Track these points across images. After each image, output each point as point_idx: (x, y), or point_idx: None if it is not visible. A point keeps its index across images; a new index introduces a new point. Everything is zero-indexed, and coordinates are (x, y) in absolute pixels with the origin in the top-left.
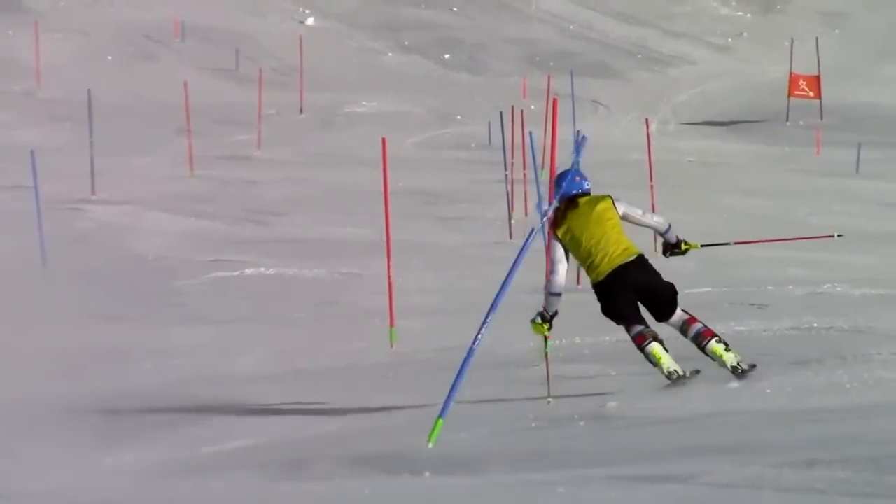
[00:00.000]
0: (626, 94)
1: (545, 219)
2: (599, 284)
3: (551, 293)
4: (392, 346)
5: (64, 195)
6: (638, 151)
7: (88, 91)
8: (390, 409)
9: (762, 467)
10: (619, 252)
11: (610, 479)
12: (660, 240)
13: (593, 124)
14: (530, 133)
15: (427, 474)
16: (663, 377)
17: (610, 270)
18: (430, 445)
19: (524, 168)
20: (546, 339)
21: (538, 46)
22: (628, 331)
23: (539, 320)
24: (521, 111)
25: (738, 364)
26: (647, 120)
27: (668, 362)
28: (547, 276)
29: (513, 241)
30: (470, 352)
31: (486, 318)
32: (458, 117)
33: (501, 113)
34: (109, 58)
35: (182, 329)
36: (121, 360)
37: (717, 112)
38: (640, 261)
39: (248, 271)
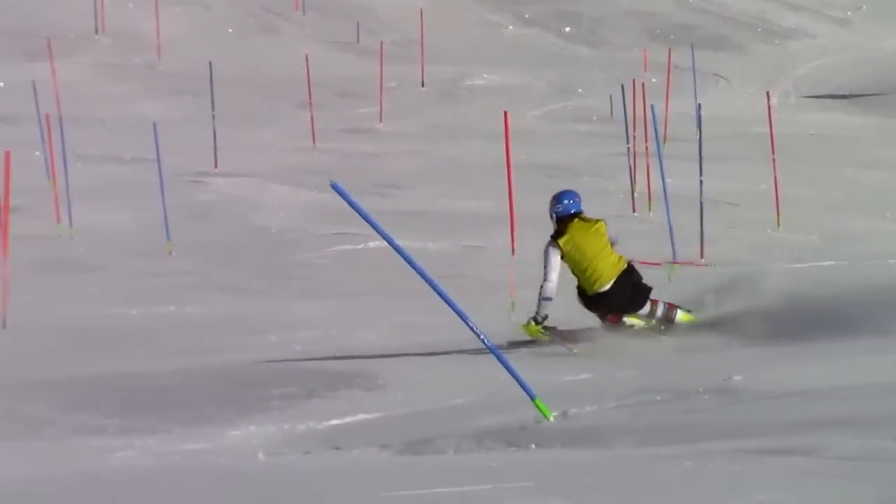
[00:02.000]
0: (747, 67)
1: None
2: (598, 295)
3: (544, 298)
4: (513, 319)
5: (186, 168)
6: (759, 124)
7: (210, 63)
8: (514, 383)
9: (886, 440)
10: (614, 263)
11: (735, 453)
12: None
13: (714, 97)
14: (652, 106)
15: (553, 448)
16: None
17: (611, 281)
18: (552, 419)
19: (646, 141)
20: (545, 336)
21: (658, 19)
22: (602, 318)
23: (532, 323)
24: (643, 84)
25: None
26: (767, 93)
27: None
28: (542, 283)
29: (635, 214)
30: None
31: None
32: (579, 90)
33: (623, 86)
34: (230, 30)
35: (306, 302)
36: (245, 333)
37: (836, 85)
38: (630, 268)
39: (371, 244)
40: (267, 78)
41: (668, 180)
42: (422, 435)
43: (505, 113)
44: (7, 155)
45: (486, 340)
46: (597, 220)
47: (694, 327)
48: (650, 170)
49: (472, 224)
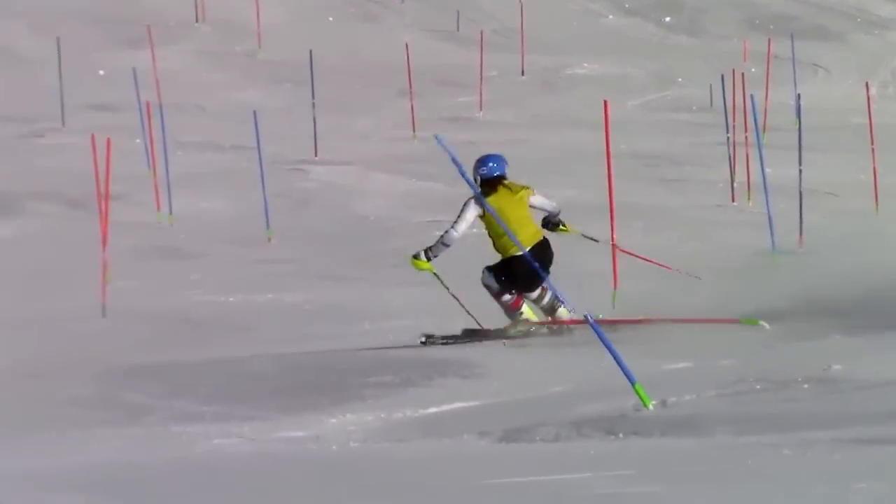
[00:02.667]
0: (846, 58)
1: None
2: (513, 258)
3: (444, 243)
4: (614, 308)
5: (286, 156)
6: (858, 115)
7: (310, 52)
8: (614, 371)
9: None
10: (535, 232)
11: (835, 442)
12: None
13: (813, 87)
14: (751, 96)
15: (652, 436)
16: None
17: (529, 247)
18: (651, 407)
19: (746, 131)
20: (438, 276)
21: (757, 9)
22: (502, 295)
23: (423, 258)
24: (742, 74)
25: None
26: (867, 83)
27: (532, 316)
28: (448, 228)
29: (734, 204)
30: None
31: None
32: (679, 80)
33: (722, 76)
34: (330, 19)
35: (403, 290)
36: (342, 322)
37: None
38: (546, 243)
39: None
40: (367, 66)
41: (767, 170)
42: (520, 423)
43: (605, 102)
44: (108, 142)
45: (590, 318)
46: (522, 188)
47: (793, 316)
48: (749, 159)
49: (571, 213)
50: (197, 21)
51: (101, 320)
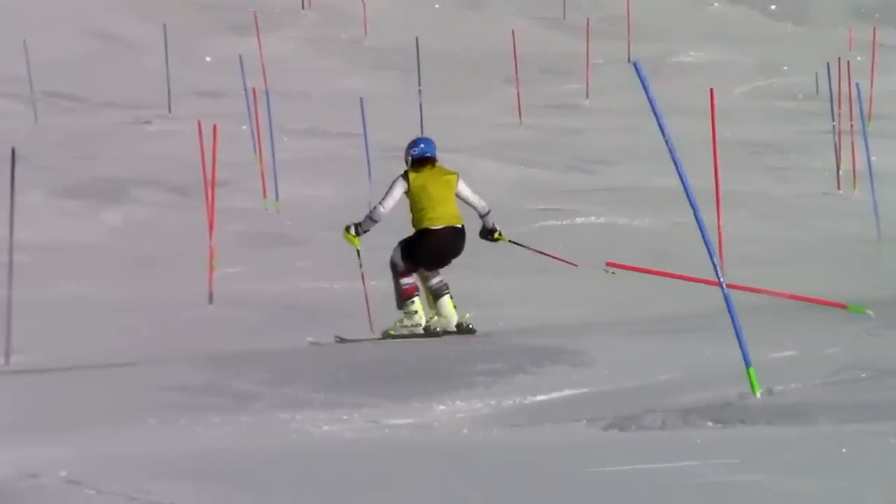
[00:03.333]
0: None
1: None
2: (426, 230)
3: (372, 219)
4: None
5: (393, 143)
6: None
7: (416, 39)
8: (720, 359)
9: None
10: (454, 215)
11: None
12: None
13: None
14: (857, 84)
15: (758, 424)
16: (419, 327)
17: (444, 225)
18: (758, 395)
19: (851, 119)
20: (359, 250)
21: None
22: (404, 276)
23: (353, 232)
24: (848, 62)
25: (465, 323)
26: None
27: (421, 310)
28: (377, 204)
29: (840, 192)
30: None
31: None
32: (784, 68)
33: (828, 64)
34: (436, 6)
35: (512, 278)
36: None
37: None
38: (462, 230)
39: (578, 220)
40: (473, 53)
41: (872, 158)
42: (628, 411)
43: (711, 90)
44: (214, 129)
45: (723, 283)
46: (451, 172)
47: None
48: (855, 148)
49: (677, 201)
50: (303, 8)
51: (207, 307)
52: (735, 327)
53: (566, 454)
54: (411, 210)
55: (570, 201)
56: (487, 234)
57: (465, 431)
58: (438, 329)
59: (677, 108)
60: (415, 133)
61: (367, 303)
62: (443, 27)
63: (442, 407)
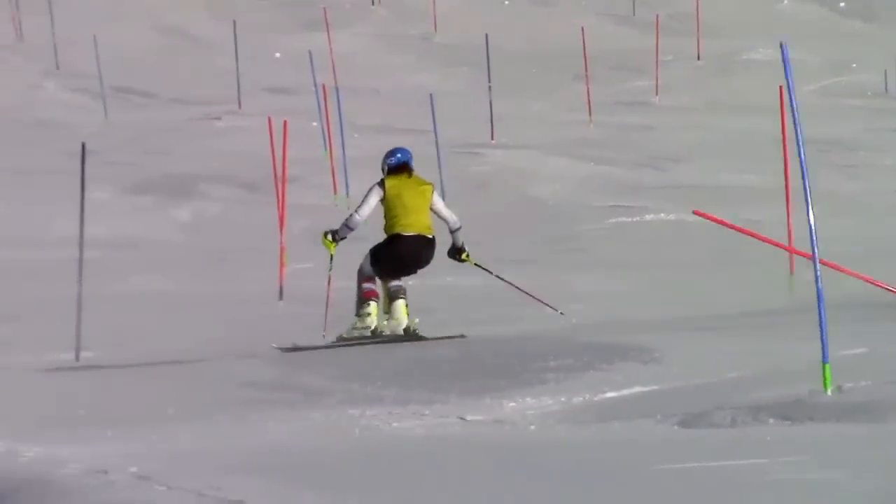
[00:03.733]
0: None
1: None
2: (397, 236)
3: (348, 226)
4: (792, 293)
5: (463, 139)
6: None
7: (486, 35)
8: (789, 356)
9: None
10: (425, 225)
11: None
12: None
13: None
14: None
15: (827, 422)
16: (367, 329)
17: (415, 233)
18: (828, 392)
19: None
20: (332, 256)
21: None
22: (367, 281)
23: (330, 238)
24: None
25: (413, 328)
26: None
27: (374, 314)
28: (352, 212)
29: None
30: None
31: None
32: (853, 65)
33: None
34: (506, 2)
35: (581, 274)
36: (521, 305)
37: None
38: (432, 241)
39: (647, 217)
40: (543, 50)
41: None
42: (697, 408)
43: (780, 87)
44: (284, 125)
45: (816, 258)
46: (426, 183)
47: None
48: None
49: (747, 198)
50: (373, 4)
51: (277, 303)
52: (821, 321)
53: (635, 451)
54: (385, 217)
55: (640, 198)
56: (456, 252)
57: (535, 428)
58: (387, 332)
59: (747, 106)
60: (485, 130)
61: (326, 307)
62: (512, 24)
63: (512, 404)
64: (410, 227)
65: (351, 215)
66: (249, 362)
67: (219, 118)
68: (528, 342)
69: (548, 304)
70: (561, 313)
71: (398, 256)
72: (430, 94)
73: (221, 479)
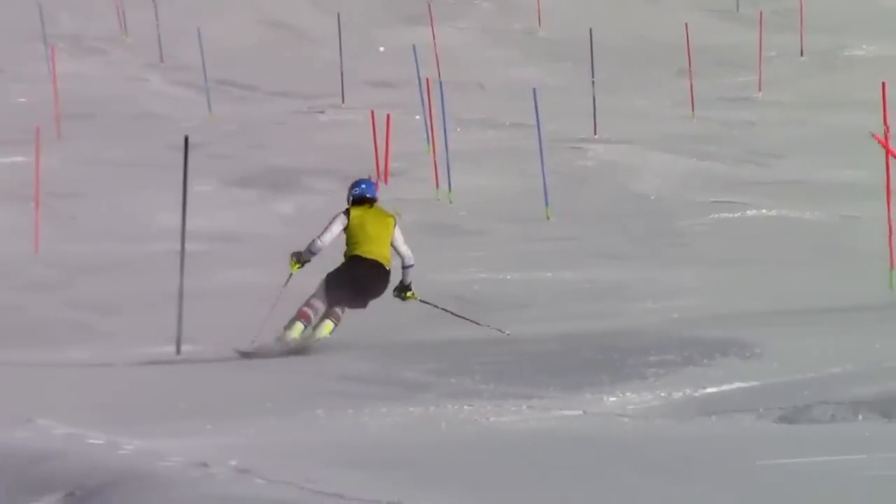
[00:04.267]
0: None
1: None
2: (354, 256)
3: (311, 251)
4: (892, 289)
5: (566, 134)
6: None
7: (590, 30)
8: (889, 352)
9: None
10: (384, 256)
11: None
12: None
13: None
14: None
15: None
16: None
17: (365, 256)
18: None
19: None
20: (292, 274)
21: None
22: (309, 302)
23: (295, 259)
24: None
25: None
26: None
27: (295, 333)
28: (315, 237)
29: None
30: None
31: None
32: None
33: None
34: None
35: (683, 269)
36: (622, 300)
37: None
38: (383, 270)
39: (749, 212)
40: (646, 45)
41: None
42: (797, 403)
43: (883, 84)
44: (388, 119)
45: None
46: (390, 215)
47: None
48: None
49: (848, 194)
50: None
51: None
52: None
53: (735, 447)
54: (346, 244)
55: (741, 194)
56: (402, 290)
57: (635, 423)
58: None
59: (849, 102)
60: (588, 125)
61: (267, 314)
62: (616, 19)
63: (612, 398)
64: (369, 253)
65: (314, 240)
66: (348, 356)
67: (322, 112)
68: (628, 337)
69: (497, 328)
70: (507, 333)
71: (351, 275)
72: (534, 89)
73: (320, 472)
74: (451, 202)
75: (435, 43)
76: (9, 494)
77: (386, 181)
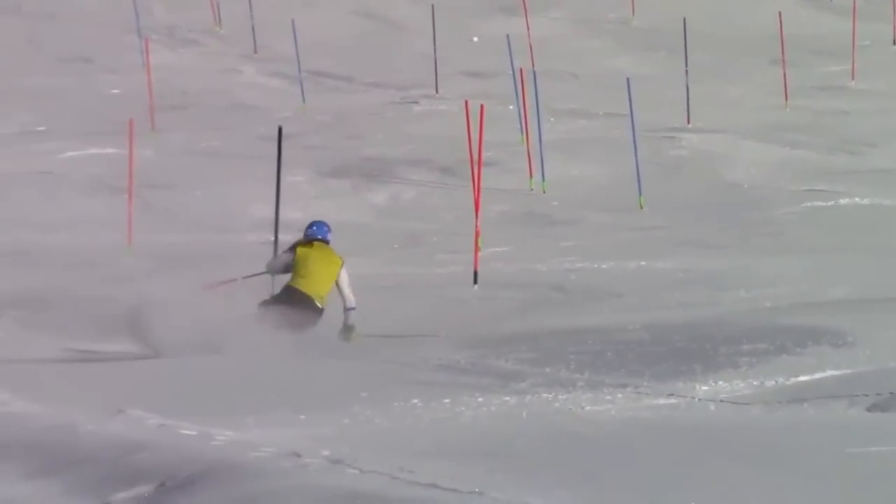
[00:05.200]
0: None
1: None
2: (287, 287)
3: (266, 268)
4: None
5: (659, 123)
6: None
7: (684, 20)
8: None
9: None
10: (318, 294)
11: None
12: None
13: None
14: None
15: None
16: None
17: (301, 290)
18: None
19: None
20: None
21: None
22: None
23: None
24: None
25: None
26: None
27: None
28: (271, 259)
29: None
30: None
31: None
32: None
33: None
34: None
35: (776, 258)
36: (714, 289)
37: None
38: (316, 308)
39: (842, 201)
40: (739, 34)
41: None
42: (890, 391)
43: None
44: (481, 109)
45: None
46: (337, 257)
47: None
48: None
49: None
50: None
51: (472, 287)
52: None
53: (827, 435)
54: (291, 275)
55: (835, 183)
56: (346, 331)
57: (727, 412)
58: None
59: None
60: (681, 114)
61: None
62: (710, 8)
63: (705, 387)
64: (304, 286)
65: (269, 262)
66: (441, 345)
67: (416, 102)
68: (721, 326)
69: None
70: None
71: (282, 304)
72: (627, 78)
73: (414, 462)
74: (544, 192)
75: (528, 33)
76: (101, 485)
77: (479, 172)
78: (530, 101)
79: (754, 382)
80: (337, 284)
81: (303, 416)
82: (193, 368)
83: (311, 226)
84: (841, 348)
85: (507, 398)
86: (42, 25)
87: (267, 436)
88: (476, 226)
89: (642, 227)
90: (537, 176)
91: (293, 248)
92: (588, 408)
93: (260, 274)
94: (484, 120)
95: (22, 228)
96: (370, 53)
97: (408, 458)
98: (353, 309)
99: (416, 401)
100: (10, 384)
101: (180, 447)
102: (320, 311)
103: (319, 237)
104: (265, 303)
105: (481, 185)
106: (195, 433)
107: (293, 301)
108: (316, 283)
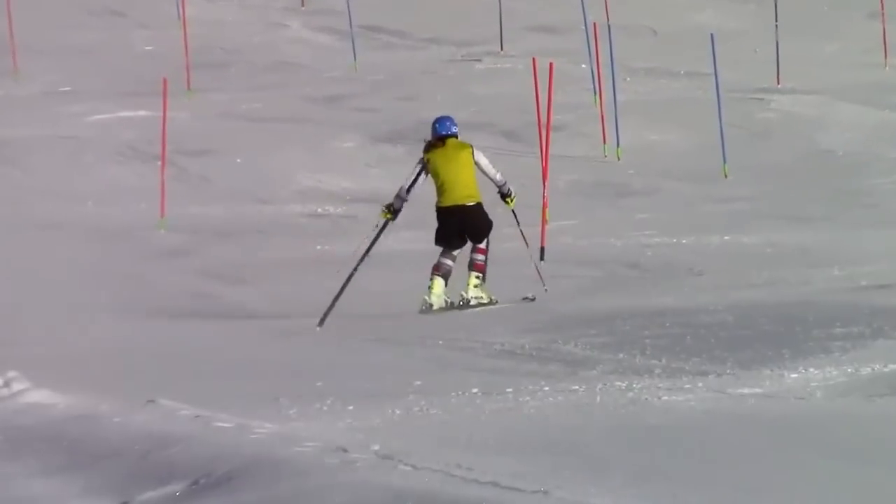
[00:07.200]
0: None
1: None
2: (440, 209)
3: (398, 196)
4: None
5: (746, 84)
6: None
7: None
8: None
9: None
10: (464, 195)
11: None
12: None
13: None
14: None
15: None
16: (426, 305)
17: (451, 204)
18: None
19: None
20: (384, 222)
21: None
22: (438, 258)
23: (386, 210)
24: None
25: (466, 298)
26: None
27: (433, 296)
28: (402, 185)
29: None
30: None
31: None
32: None
33: None
34: None
35: (874, 232)
36: (806, 266)
37: None
38: (473, 207)
39: None
40: None
41: None
42: None
43: None
44: (550, 67)
45: None
46: (463, 147)
47: None
48: None
49: None
50: None
51: (539, 263)
52: None
53: None
54: (435, 191)
55: None
56: (503, 196)
57: (819, 401)
58: (450, 302)
59: None
60: (770, 73)
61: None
62: None
63: (794, 375)
64: (449, 199)
65: (400, 187)
66: (505, 328)
67: (478, 60)
68: (811, 307)
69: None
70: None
71: (443, 232)
72: (711, 34)
73: (472, 458)
74: (619, 159)
75: None
76: (127, 482)
77: (548, 137)
78: (604, 59)
79: (849, 369)
80: (481, 170)
81: (350, 407)
82: (231, 353)
83: (437, 121)
84: None
85: (576, 387)
86: None
87: (311, 429)
88: (544, 196)
89: (726, 197)
90: (611, 142)
91: (422, 158)
92: (665, 398)
93: (383, 228)
94: (553, 79)
95: (45, 199)
96: (428, 6)
97: (466, 453)
98: (506, 183)
99: (475, 390)
100: (30, 371)
101: (216, 441)
102: (481, 207)
103: (446, 133)
104: (438, 238)
105: (549, 151)
106: (232, 426)
107: (457, 220)
108: (461, 186)
